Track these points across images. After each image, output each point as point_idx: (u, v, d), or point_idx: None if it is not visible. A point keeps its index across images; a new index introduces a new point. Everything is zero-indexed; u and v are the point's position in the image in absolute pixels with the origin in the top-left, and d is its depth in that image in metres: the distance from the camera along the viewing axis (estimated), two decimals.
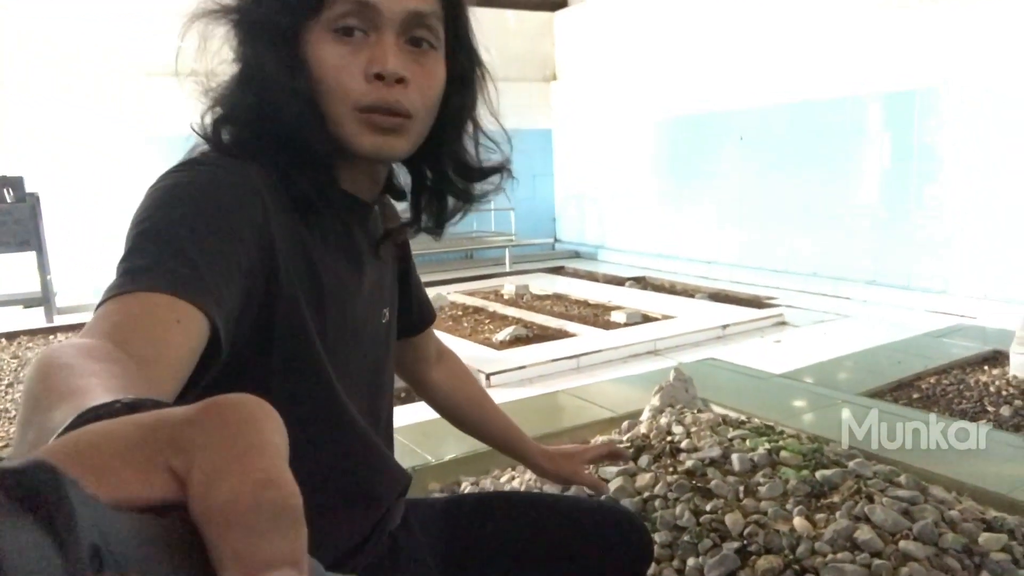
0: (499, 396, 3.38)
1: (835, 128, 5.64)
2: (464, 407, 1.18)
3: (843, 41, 5.47)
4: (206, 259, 0.61)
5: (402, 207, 0.94)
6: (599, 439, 2.43)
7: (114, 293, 0.57)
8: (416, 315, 1.09)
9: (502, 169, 0.90)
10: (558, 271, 7.59)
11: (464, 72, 0.83)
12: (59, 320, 5.37)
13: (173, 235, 0.62)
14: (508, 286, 6.24)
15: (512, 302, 5.85)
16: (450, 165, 0.86)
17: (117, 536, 0.19)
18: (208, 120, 0.78)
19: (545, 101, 8.71)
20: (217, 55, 0.79)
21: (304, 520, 0.22)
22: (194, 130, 0.79)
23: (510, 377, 3.76)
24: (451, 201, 0.88)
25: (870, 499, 1.62)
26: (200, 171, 0.70)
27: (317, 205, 0.78)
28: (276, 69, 0.73)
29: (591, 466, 1.30)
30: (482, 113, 0.87)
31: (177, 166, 0.71)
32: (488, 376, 3.70)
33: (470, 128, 0.86)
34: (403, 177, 0.90)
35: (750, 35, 6.22)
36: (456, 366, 1.20)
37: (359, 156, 0.78)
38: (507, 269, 7.39)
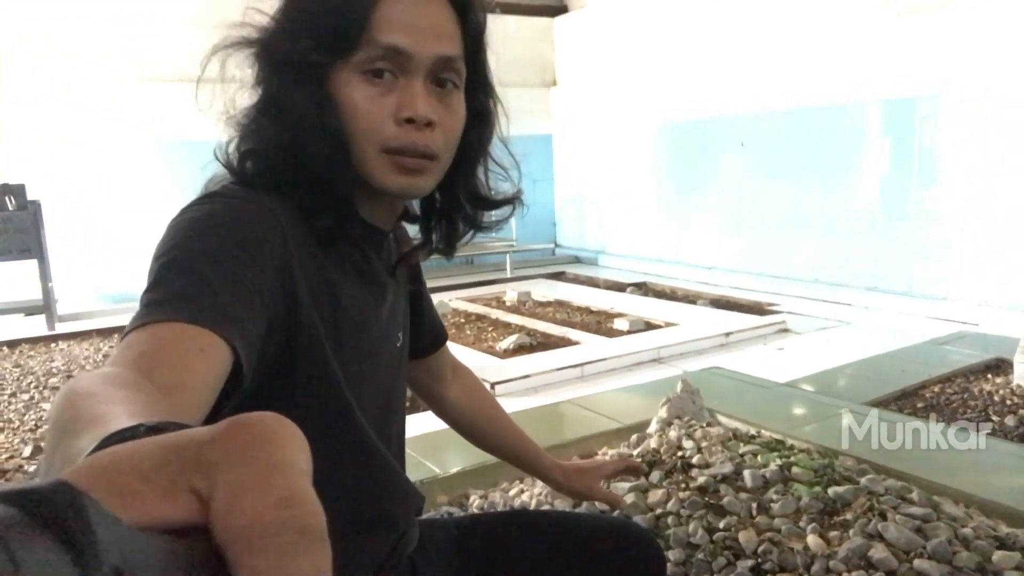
0: (505, 406, 3.38)
1: (836, 134, 5.65)
2: (480, 424, 1.19)
3: (843, 47, 5.48)
4: (228, 290, 0.62)
5: (412, 229, 0.96)
6: (608, 452, 2.44)
7: (138, 324, 0.58)
8: (428, 336, 1.11)
9: (513, 200, 0.92)
10: (559, 277, 7.59)
11: (482, 107, 0.85)
12: (60, 328, 5.37)
13: (196, 267, 0.63)
14: (510, 293, 6.25)
15: (514, 309, 5.86)
16: (463, 194, 0.88)
17: (139, 557, 0.19)
18: (231, 149, 0.78)
19: (545, 106, 8.72)
20: (237, 82, 0.80)
21: (328, 538, 0.22)
22: (217, 158, 0.80)
23: (515, 386, 3.77)
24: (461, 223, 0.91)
25: (883, 516, 1.62)
26: (221, 203, 0.71)
27: (338, 238, 0.79)
28: (306, 106, 0.74)
29: (605, 480, 1.31)
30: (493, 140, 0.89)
31: (199, 199, 0.73)
32: (493, 385, 3.71)
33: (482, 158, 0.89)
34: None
35: (750, 40, 6.24)
36: (470, 382, 1.21)
37: (384, 194, 0.80)
38: (508, 275, 7.39)
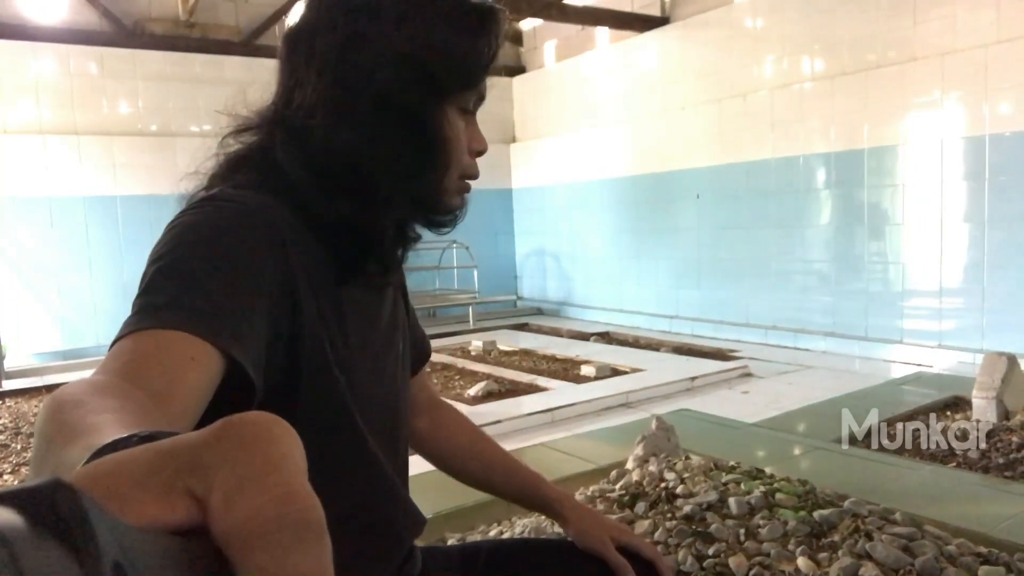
0: None
1: (788, 187, 5.86)
2: (457, 455, 1.10)
3: (793, 102, 5.74)
4: (224, 297, 0.61)
5: None
6: (585, 491, 2.41)
7: (129, 330, 0.57)
8: (419, 343, 1.07)
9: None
10: (522, 327, 7.60)
11: None
12: (8, 384, 5.13)
13: (191, 272, 0.62)
14: (475, 342, 6.22)
15: (480, 358, 5.83)
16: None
17: (139, 555, 0.19)
18: (283, 155, 0.76)
19: (505, 162, 8.89)
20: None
21: (327, 533, 0.22)
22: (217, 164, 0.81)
23: (486, 432, 3.71)
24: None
25: (869, 537, 1.64)
26: (219, 207, 0.69)
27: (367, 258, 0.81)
28: (432, 136, 0.78)
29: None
30: None
31: (196, 202, 0.71)
32: None
33: None
34: None
35: (702, 96, 6.48)
36: (445, 414, 1.13)
37: (446, 214, 0.85)
38: (471, 326, 7.38)
